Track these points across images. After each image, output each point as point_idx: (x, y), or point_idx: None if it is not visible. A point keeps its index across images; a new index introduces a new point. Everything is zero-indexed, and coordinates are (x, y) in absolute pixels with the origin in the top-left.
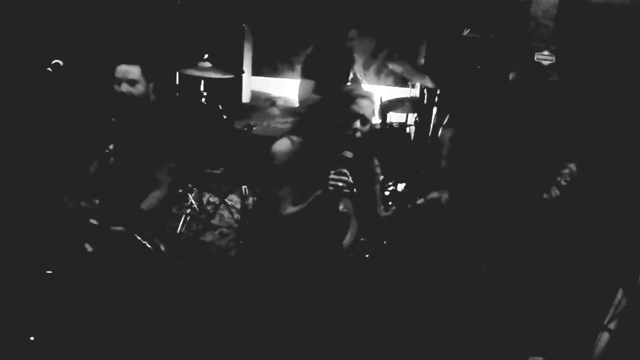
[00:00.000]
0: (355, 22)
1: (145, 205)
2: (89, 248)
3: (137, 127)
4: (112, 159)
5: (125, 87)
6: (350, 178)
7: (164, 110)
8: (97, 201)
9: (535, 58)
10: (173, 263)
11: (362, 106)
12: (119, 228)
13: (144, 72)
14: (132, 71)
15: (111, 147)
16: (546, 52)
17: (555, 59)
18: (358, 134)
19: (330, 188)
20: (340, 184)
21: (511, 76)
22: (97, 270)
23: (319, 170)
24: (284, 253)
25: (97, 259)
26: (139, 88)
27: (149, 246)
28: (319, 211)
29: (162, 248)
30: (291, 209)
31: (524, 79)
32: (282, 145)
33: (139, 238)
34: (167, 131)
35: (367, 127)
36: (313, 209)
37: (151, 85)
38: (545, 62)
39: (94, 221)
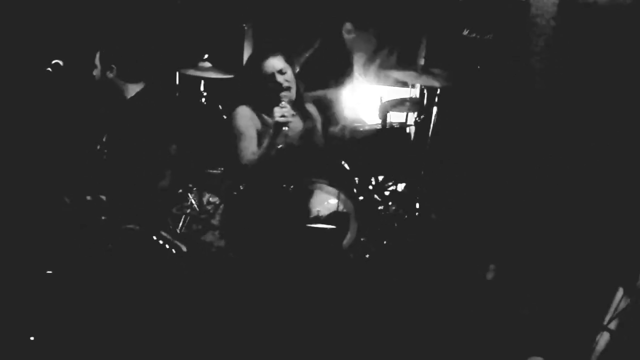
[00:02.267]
0: (353, 19)
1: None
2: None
3: (125, 116)
4: (105, 150)
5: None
6: (290, 108)
7: (146, 99)
8: (103, 197)
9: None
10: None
11: (270, 64)
12: (132, 226)
13: (101, 57)
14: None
15: (104, 138)
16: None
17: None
18: (285, 84)
19: (278, 119)
20: (285, 113)
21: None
22: (98, 270)
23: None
24: (283, 253)
25: (112, 257)
26: (290, 74)
27: (168, 247)
28: (276, 145)
29: (184, 249)
30: (258, 151)
31: None
32: (241, 110)
33: (160, 240)
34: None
35: (288, 74)
36: (273, 143)
37: (113, 68)
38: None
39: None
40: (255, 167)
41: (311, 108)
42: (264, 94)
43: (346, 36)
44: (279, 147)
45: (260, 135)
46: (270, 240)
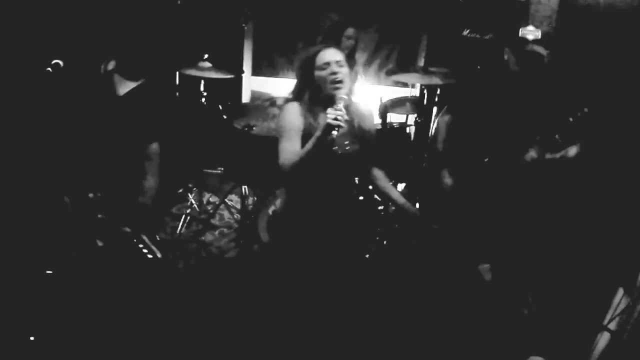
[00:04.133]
0: (354, 21)
1: (145, 199)
2: (100, 242)
3: (107, 115)
4: (100, 148)
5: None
6: (345, 112)
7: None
8: (99, 194)
9: (521, 33)
10: (169, 266)
11: (329, 54)
12: (127, 229)
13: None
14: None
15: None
16: (531, 27)
17: (541, 35)
18: (340, 76)
19: (330, 121)
20: (339, 117)
21: (506, 55)
22: (98, 270)
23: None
24: (284, 253)
25: (106, 255)
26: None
27: (146, 253)
28: (322, 149)
29: (159, 255)
30: (300, 152)
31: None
32: (290, 107)
33: (140, 245)
34: (136, 114)
35: (345, 69)
36: (318, 146)
37: (111, 62)
38: (530, 36)
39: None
40: (293, 168)
41: (365, 111)
42: (319, 90)
43: (346, 42)
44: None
45: (305, 137)
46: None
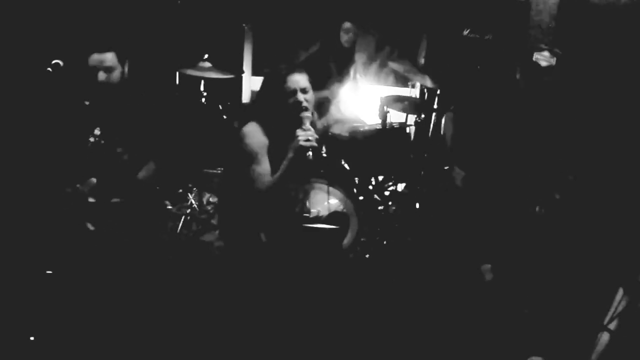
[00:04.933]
0: (354, 20)
1: (141, 175)
2: (91, 227)
3: (118, 110)
4: (102, 142)
5: (101, 76)
6: (314, 131)
7: (144, 94)
8: (94, 180)
9: (534, 57)
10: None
11: (295, 80)
12: (117, 200)
13: (118, 58)
14: (108, 58)
15: (97, 131)
16: (546, 53)
17: (556, 62)
18: (305, 104)
19: (303, 143)
20: (310, 137)
21: (518, 75)
22: (98, 269)
23: (284, 147)
24: (284, 253)
25: (98, 238)
26: (116, 74)
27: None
28: (294, 172)
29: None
30: (272, 178)
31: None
32: (252, 128)
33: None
34: (148, 113)
35: (310, 94)
36: (292, 167)
37: (126, 67)
38: (543, 63)
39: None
40: (270, 191)
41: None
42: (282, 112)
43: (345, 37)
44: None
45: (271, 155)
46: (270, 240)
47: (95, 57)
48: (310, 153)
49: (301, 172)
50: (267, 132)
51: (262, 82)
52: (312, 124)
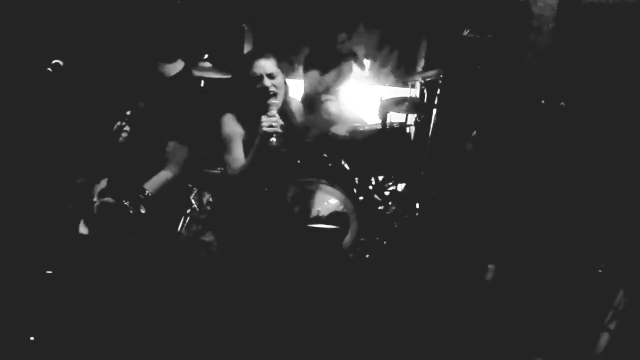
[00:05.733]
0: (351, 23)
1: (149, 185)
2: (84, 230)
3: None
4: (127, 127)
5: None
6: (278, 117)
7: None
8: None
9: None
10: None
11: (261, 65)
12: (109, 199)
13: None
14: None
15: (128, 113)
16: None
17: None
18: (272, 89)
19: (265, 129)
20: (273, 123)
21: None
22: (98, 269)
23: (254, 131)
24: (284, 253)
25: (93, 240)
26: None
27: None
28: (263, 155)
29: (142, 211)
30: (243, 163)
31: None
32: (226, 117)
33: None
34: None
35: (278, 79)
36: (259, 153)
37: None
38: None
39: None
40: (242, 177)
41: (294, 108)
42: (251, 99)
43: (342, 48)
44: (275, 151)
45: (246, 144)
46: (268, 241)
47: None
48: (274, 139)
49: (270, 160)
50: (241, 120)
51: (233, 71)
52: (285, 111)
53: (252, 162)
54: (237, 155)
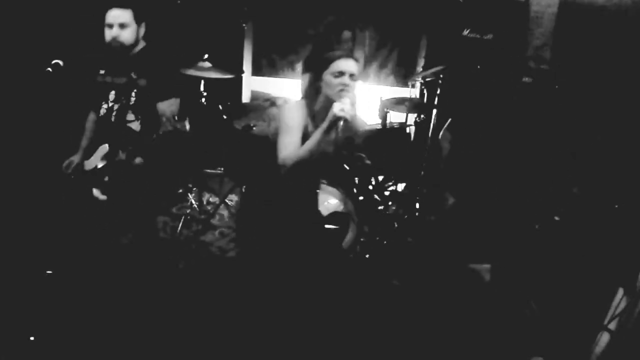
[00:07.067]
0: (351, 21)
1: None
2: (100, 196)
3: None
4: (115, 106)
5: (114, 32)
6: (351, 106)
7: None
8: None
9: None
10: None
11: (348, 65)
12: (139, 160)
13: (135, 17)
14: (124, 15)
15: (112, 95)
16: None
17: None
18: (349, 89)
19: (337, 112)
20: (345, 108)
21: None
22: (98, 269)
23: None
24: (284, 253)
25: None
26: (128, 33)
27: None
28: (325, 142)
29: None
30: (299, 149)
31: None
32: (294, 104)
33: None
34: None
35: (357, 83)
36: (323, 138)
37: (141, 29)
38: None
39: (100, 195)
40: (295, 163)
41: (359, 120)
42: (327, 92)
43: (344, 46)
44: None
45: (304, 135)
46: (277, 239)
47: (112, 13)
48: (341, 123)
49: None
50: (308, 113)
51: (308, 62)
52: (352, 102)
53: (314, 145)
54: (294, 140)
